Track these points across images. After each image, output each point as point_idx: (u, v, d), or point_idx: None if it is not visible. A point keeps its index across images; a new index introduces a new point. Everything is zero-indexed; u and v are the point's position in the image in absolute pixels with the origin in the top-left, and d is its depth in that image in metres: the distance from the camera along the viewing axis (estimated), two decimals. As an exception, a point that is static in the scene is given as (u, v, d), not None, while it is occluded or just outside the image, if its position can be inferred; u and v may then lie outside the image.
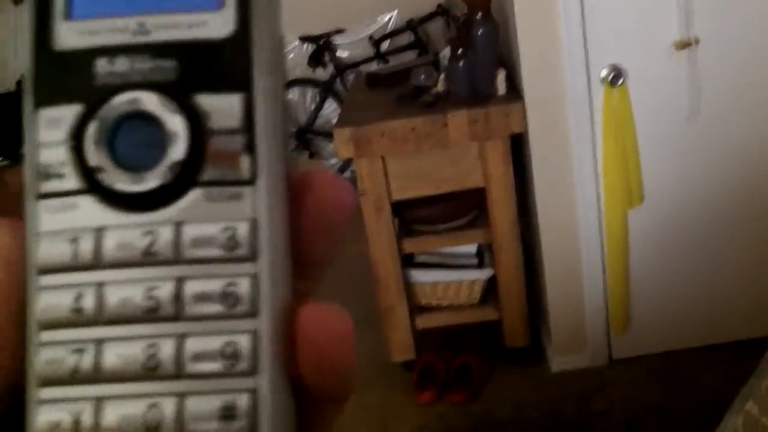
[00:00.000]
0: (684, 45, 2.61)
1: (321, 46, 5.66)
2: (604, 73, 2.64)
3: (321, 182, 0.29)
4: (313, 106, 5.90)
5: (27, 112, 0.28)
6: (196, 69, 0.27)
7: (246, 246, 0.27)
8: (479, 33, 2.77)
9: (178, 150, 0.27)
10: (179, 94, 0.27)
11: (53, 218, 0.28)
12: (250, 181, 0.27)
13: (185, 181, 0.27)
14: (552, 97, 2.69)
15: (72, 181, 0.27)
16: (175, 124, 0.27)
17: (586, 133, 2.72)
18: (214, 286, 0.27)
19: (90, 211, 0.27)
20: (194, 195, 0.27)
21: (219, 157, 0.27)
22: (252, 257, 0.27)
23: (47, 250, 0.27)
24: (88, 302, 0.27)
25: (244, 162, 0.27)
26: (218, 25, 0.28)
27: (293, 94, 5.98)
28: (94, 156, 0.27)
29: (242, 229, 0.27)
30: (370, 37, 5.68)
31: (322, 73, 5.76)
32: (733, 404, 1.62)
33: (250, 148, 0.27)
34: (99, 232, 0.27)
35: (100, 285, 0.27)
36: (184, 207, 0.27)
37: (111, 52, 0.27)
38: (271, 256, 0.27)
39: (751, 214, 2.82)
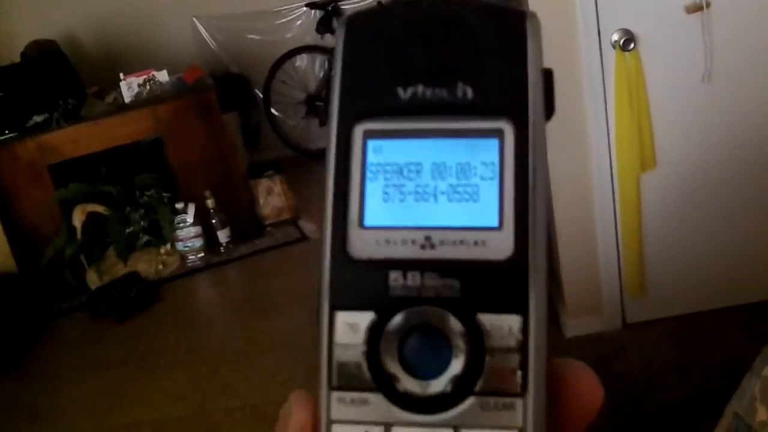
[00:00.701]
0: (695, 9, 2.58)
1: (329, 12, 5.62)
2: (615, 37, 2.62)
3: (572, 378, 0.32)
4: (322, 73, 5.87)
5: (324, 312, 0.31)
6: (478, 288, 0.30)
7: None
8: (490, -3, 2.74)
9: (459, 364, 0.30)
10: (464, 311, 0.30)
11: (346, 410, 0.31)
12: (521, 394, 0.30)
13: (463, 390, 0.30)
14: (564, 62, 2.67)
15: (365, 380, 0.31)
16: (459, 339, 0.30)
17: (598, 98, 2.71)
18: None
19: (379, 407, 0.30)
20: (470, 403, 0.30)
21: (495, 371, 0.30)
22: None
23: None
24: None
25: (517, 377, 0.30)
26: (499, 245, 0.30)
27: (302, 61, 5.95)
28: (388, 363, 0.30)
29: None
30: (379, 2, 5.64)
31: (331, 40, 5.72)
32: (753, 365, 1.62)
33: (523, 365, 0.30)
34: (387, 428, 0.30)
35: None
36: (460, 413, 0.30)
37: (402, 265, 0.31)
38: None
39: (764, 176, 2.81)
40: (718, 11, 2.57)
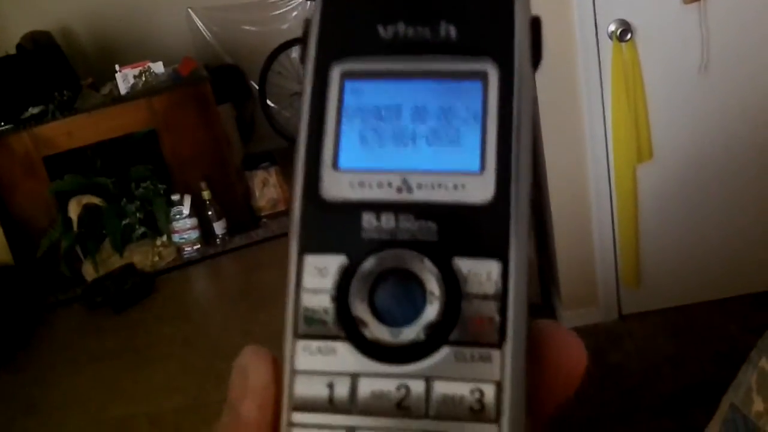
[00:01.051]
0: (693, -1, 2.57)
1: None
2: (612, 27, 2.61)
3: (556, 340, 0.30)
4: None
5: (293, 255, 0.30)
6: (456, 232, 0.29)
7: (491, 408, 0.28)
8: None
9: (433, 310, 0.28)
10: (440, 255, 0.28)
11: (311, 359, 0.29)
12: (498, 345, 0.28)
13: (438, 339, 0.28)
14: (561, 53, 2.66)
15: (332, 328, 0.29)
16: (434, 284, 0.28)
17: (595, 89, 2.70)
18: None
19: (347, 357, 0.29)
20: (445, 353, 0.28)
21: (471, 320, 0.28)
22: (496, 419, 0.28)
23: (304, 389, 0.29)
24: None
25: (495, 326, 0.28)
26: (479, 189, 0.29)
27: (298, 52, 5.93)
28: (356, 308, 0.29)
29: (489, 392, 0.28)
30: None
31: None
32: (749, 356, 1.62)
33: (502, 313, 0.28)
34: (355, 378, 0.29)
35: (352, 430, 0.28)
36: (434, 364, 0.28)
37: (377, 207, 0.29)
38: (512, 419, 0.28)
39: (760, 167, 2.80)
40: (716, 1, 2.56)
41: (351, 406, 0.28)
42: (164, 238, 4.49)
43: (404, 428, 0.28)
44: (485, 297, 0.28)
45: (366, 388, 0.28)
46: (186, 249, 4.54)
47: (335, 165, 0.30)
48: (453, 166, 0.29)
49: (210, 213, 4.52)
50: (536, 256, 3.00)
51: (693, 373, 2.64)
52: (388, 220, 0.29)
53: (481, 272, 0.28)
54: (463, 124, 0.30)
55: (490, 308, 0.28)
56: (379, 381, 0.28)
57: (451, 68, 0.30)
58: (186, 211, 4.47)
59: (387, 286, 0.28)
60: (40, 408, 3.32)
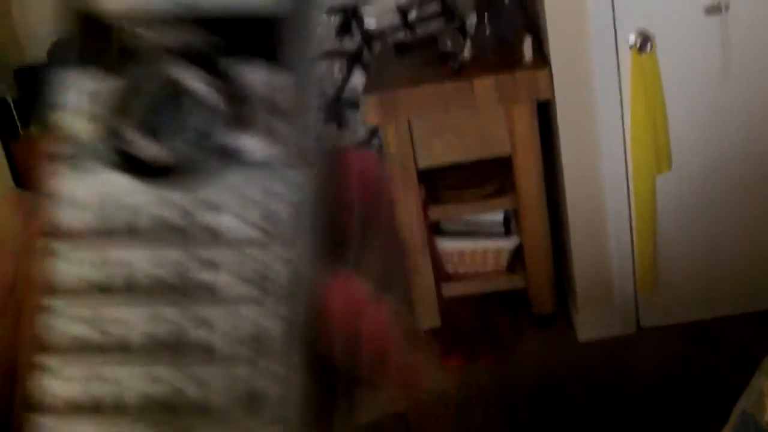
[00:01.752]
0: (714, 10, 2.56)
1: (349, 16, 5.63)
2: (632, 39, 2.61)
3: (351, 157, 0.28)
4: (340, 77, 5.88)
5: (55, 73, 0.27)
6: (237, 40, 0.26)
7: (280, 228, 0.26)
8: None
9: (212, 122, 0.25)
10: (217, 65, 0.26)
11: (76, 184, 0.26)
12: (285, 160, 0.26)
13: (217, 154, 0.26)
14: (579, 63, 2.67)
15: (99, 148, 0.26)
16: (211, 95, 0.25)
17: (613, 99, 2.69)
18: (247, 270, 0.25)
19: (116, 179, 0.26)
20: (226, 170, 0.26)
21: (254, 132, 0.26)
22: (287, 240, 0.26)
23: (67, 217, 0.26)
24: (108, 274, 0.26)
25: (279, 139, 0.26)
26: None
27: (320, 66, 5.96)
28: (124, 123, 0.26)
29: (277, 210, 0.26)
30: (398, 7, 5.64)
31: (350, 44, 5.73)
32: (761, 364, 1.61)
33: (287, 125, 0.26)
34: (124, 201, 0.26)
35: (121, 258, 0.26)
36: (215, 181, 0.26)
37: (149, 17, 0.26)
38: (305, 239, 0.26)
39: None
40: (737, 14, 2.55)
41: (119, 231, 0.26)
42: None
43: (183, 255, 0.26)
44: (268, 108, 0.26)
45: (137, 210, 0.26)
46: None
47: None
48: None
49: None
50: (552, 265, 2.99)
51: (708, 386, 2.62)
52: (160, 29, 0.26)
53: (263, 81, 0.26)
54: None
55: (274, 120, 0.26)
56: (152, 202, 0.26)
57: None
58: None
59: (159, 98, 0.25)
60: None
